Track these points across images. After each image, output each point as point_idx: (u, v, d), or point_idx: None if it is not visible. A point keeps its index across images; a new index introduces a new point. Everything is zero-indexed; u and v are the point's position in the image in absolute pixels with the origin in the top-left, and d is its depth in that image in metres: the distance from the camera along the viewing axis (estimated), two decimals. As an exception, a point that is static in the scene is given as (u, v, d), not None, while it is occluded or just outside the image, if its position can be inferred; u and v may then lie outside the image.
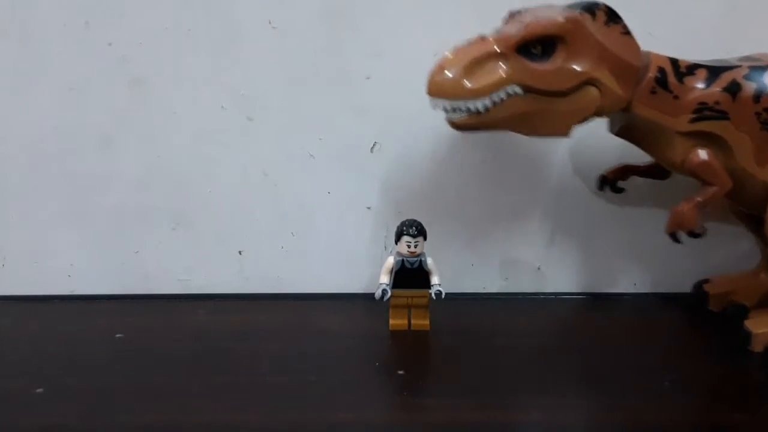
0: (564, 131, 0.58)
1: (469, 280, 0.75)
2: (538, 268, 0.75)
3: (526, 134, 0.59)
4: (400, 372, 0.60)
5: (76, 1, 0.70)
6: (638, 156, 0.70)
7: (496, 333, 0.66)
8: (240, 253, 0.76)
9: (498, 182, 0.73)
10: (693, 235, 0.60)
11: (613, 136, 0.63)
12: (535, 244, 0.75)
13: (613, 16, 0.57)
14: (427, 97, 0.69)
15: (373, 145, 0.73)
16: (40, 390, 0.57)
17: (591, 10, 0.56)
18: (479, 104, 0.55)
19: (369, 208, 0.74)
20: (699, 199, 0.59)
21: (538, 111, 0.56)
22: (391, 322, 0.66)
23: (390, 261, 0.65)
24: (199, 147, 0.73)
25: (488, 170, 0.73)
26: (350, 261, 0.75)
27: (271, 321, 0.70)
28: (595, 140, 0.69)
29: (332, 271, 0.75)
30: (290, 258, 0.75)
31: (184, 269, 0.76)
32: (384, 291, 0.64)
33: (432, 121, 0.70)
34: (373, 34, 0.70)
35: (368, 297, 0.75)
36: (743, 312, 0.65)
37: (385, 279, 0.65)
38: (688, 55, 0.59)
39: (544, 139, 0.59)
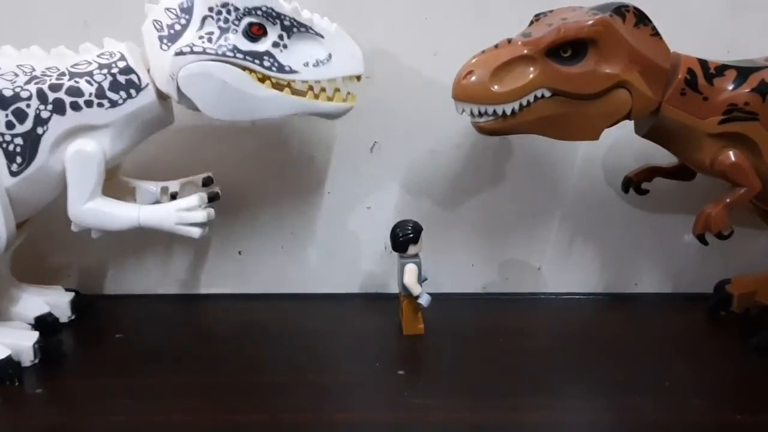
0: (594, 135, 0.58)
1: (469, 280, 0.75)
2: (539, 268, 0.75)
3: (555, 138, 0.58)
4: (401, 372, 0.60)
5: (75, 1, 0.70)
6: (633, 155, 0.70)
7: (496, 333, 0.66)
8: (239, 253, 0.75)
9: (498, 182, 0.73)
10: (720, 236, 0.60)
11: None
12: (536, 243, 0.75)
13: (642, 18, 0.56)
14: (427, 97, 0.70)
15: (373, 145, 0.73)
16: (39, 390, 0.57)
17: (621, 12, 0.56)
18: (507, 108, 0.54)
19: (369, 208, 0.74)
20: (728, 200, 0.58)
21: (568, 114, 0.56)
22: (419, 326, 0.65)
23: (414, 269, 0.63)
24: (199, 146, 0.73)
25: (488, 170, 0.73)
26: (349, 261, 0.75)
27: (270, 321, 0.70)
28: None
29: (331, 272, 0.75)
30: (290, 258, 0.75)
31: (184, 269, 0.76)
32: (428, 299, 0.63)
33: (432, 121, 0.71)
34: (373, 34, 0.70)
35: (367, 297, 0.75)
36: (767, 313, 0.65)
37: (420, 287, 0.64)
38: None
39: (543, 138, 0.58)
